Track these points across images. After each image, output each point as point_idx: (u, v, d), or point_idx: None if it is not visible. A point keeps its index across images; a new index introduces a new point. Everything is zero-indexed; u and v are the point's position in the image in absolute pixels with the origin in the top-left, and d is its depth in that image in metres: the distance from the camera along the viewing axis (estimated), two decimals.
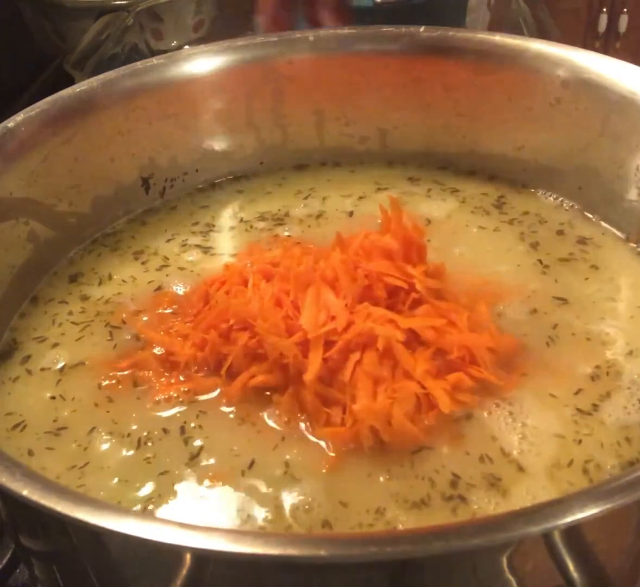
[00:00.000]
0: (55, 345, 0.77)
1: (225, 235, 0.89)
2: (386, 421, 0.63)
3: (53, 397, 0.71)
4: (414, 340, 0.68)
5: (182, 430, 0.67)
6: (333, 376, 0.66)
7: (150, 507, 0.62)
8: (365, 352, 0.65)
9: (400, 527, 0.59)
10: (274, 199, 0.94)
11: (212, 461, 0.65)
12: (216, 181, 0.98)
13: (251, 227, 0.90)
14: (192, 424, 0.67)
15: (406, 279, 0.70)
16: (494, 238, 0.86)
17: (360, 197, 0.93)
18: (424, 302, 0.70)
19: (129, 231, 0.91)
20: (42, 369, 0.74)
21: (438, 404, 0.64)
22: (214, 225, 0.91)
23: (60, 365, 0.74)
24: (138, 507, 0.62)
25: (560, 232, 0.87)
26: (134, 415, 0.69)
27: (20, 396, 0.72)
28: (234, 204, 0.94)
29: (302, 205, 0.92)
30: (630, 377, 0.70)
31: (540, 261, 0.83)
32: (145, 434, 0.67)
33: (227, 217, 0.92)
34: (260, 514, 0.61)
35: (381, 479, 0.62)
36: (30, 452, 0.67)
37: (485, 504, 0.60)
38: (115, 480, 0.64)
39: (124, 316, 0.79)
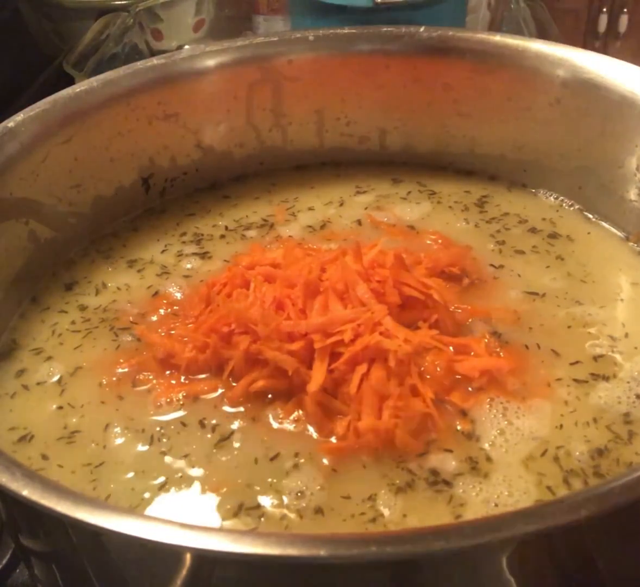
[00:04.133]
0: (49, 358, 0.76)
1: (220, 242, 0.89)
2: (390, 440, 0.63)
3: (60, 407, 0.71)
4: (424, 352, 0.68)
5: (202, 423, 0.68)
6: (337, 387, 0.66)
7: (163, 493, 0.63)
8: (372, 365, 0.65)
9: (387, 511, 0.60)
10: (260, 206, 0.94)
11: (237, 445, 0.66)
12: (216, 182, 0.98)
13: (243, 236, 0.90)
14: (214, 421, 0.68)
15: (423, 289, 0.70)
16: (465, 237, 0.87)
17: (341, 204, 0.94)
18: (442, 324, 0.70)
19: (121, 239, 0.90)
20: (39, 383, 0.74)
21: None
22: (202, 235, 0.91)
23: (56, 377, 0.74)
24: (148, 494, 0.63)
25: (533, 230, 0.87)
26: (142, 412, 0.69)
27: (22, 410, 0.71)
28: (219, 212, 0.94)
29: (286, 214, 0.93)
30: (630, 373, 0.71)
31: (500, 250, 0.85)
32: (158, 428, 0.68)
33: (211, 225, 0.92)
34: (266, 501, 0.62)
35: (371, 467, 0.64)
36: (45, 456, 0.67)
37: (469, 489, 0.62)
38: (131, 474, 0.65)
39: (131, 319, 0.79)
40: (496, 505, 0.61)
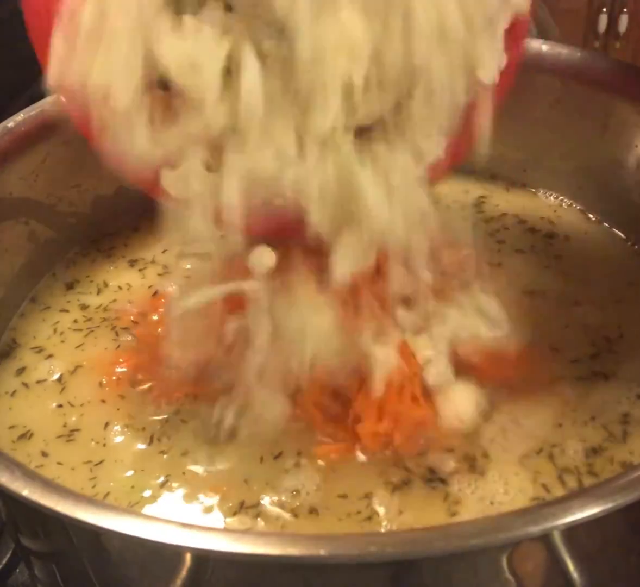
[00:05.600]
0: (50, 356, 0.76)
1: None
2: (388, 442, 0.64)
3: (60, 405, 0.71)
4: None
5: (203, 422, 0.68)
6: (338, 391, 0.66)
7: (164, 491, 0.63)
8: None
9: (383, 510, 0.60)
10: None
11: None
12: None
13: None
14: (213, 420, 0.67)
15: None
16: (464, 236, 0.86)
17: None
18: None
19: (122, 238, 0.90)
20: (39, 382, 0.74)
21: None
22: None
23: (56, 376, 0.74)
24: (148, 492, 0.63)
25: (531, 230, 0.87)
26: (142, 410, 0.70)
27: (22, 409, 0.72)
28: None
29: None
30: (630, 373, 0.71)
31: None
32: (158, 427, 0.68)
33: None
34: (265, 499, 0.62)
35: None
36: (44, 453, 0.67)
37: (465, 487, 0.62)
38: (131, 472, 0.65)
39: (131, 318, 0.79)
40: (491, 503, 0.61)
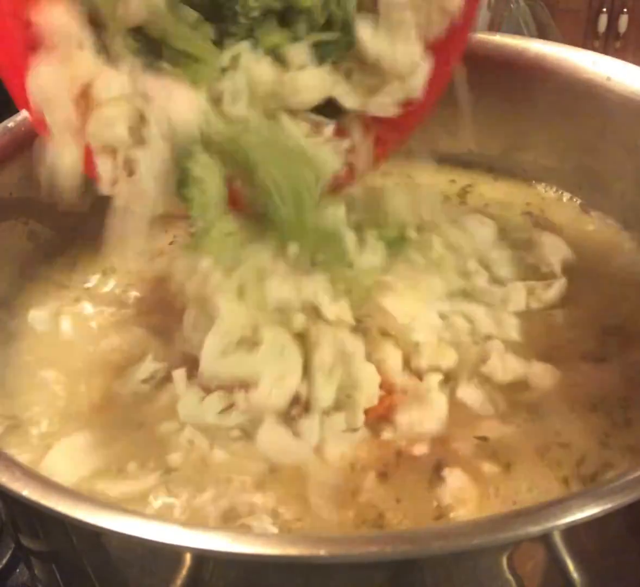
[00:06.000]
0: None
1: None
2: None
3: None
4: None
5: None
6: None
7: None
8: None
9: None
10: None
11: None
12: None
13: None
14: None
15: None
16: None
17: None
18: None
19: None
20: None
21: None
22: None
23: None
24: None
25: (528, 214, 0.88)
26: None
27: None
28: None
29: None
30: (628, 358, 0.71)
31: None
32: None
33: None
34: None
35: None
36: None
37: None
38: None
39: (144, 307, 0.79)
40: (514, 502, 0.60)
